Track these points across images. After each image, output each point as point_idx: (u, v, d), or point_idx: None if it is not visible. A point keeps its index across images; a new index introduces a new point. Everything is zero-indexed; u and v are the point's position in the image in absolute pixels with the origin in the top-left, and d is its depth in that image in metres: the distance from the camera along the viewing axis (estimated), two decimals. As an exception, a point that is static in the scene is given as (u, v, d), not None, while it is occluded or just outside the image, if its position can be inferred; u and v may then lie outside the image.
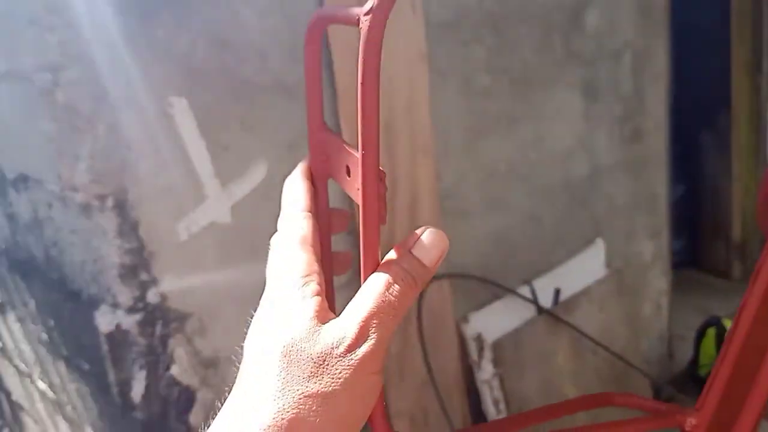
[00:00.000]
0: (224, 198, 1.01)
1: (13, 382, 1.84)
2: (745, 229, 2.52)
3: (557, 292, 1.60)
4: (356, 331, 0.33)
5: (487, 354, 1.42)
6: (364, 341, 0.33)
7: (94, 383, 1.17)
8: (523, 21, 1.42)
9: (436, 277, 1.34)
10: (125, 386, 1.01)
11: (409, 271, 0.35)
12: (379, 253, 0.34)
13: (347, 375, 0.32)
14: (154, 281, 0.96)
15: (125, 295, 0.95)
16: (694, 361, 2.14)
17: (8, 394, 1.94)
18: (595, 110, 1.63)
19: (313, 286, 0.36)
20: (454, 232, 1.37)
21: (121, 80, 0.88)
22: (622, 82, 1.70)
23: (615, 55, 1.66)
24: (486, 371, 1.44)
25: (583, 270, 1.68)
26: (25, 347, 1.56)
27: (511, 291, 1.50)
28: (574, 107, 1.58)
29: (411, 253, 0.35)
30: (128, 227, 0.92)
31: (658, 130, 1.87)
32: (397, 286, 0.34)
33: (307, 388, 0.32)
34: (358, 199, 0.33)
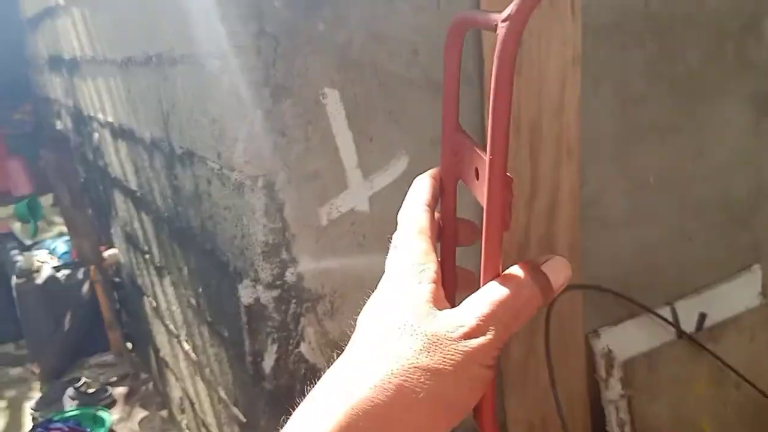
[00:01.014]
0: (365, 187, 1.04)
1: (162, 341, 2.02)
2: None
3: (702, 316, 1.50)
4: (474, 323, 0.33)
5: (617, 373, 1.36)
6: (482, 334, 0.33)
7: (232, 350, 1.26)
8: (690, 26, 1.33)
9: (570, 287, 1.30)
10: (258, 357, 1.08)
11: (538, 282, 0.34)
12: (501, 259, 0.34)
13: (458, 358, 0.32)
14: (293, 261, 1.01)
15: (266, 271, 1.01)
16: None
17: (157, 351, 2.13)
18: (766, 124, 1.50)
19: (430, 273, 0.36)
20: (593, 241, 1.32)
21: (281, 70, 0.93)
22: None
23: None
24: (614, 390, 1.37)
25: (735, 296, 1.55)
26: (176, 309, 1.71)
27: (650, 310, 1.42)
28: (743, 120, 1.46)
29: (540, 268, 0.35)
30: (274, 208, 0.98)
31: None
32: (525, 292, 0.34)
33: (418, 360, 0.32)
34: (483, 202, 0.33)
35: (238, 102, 0.95)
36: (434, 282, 0.36)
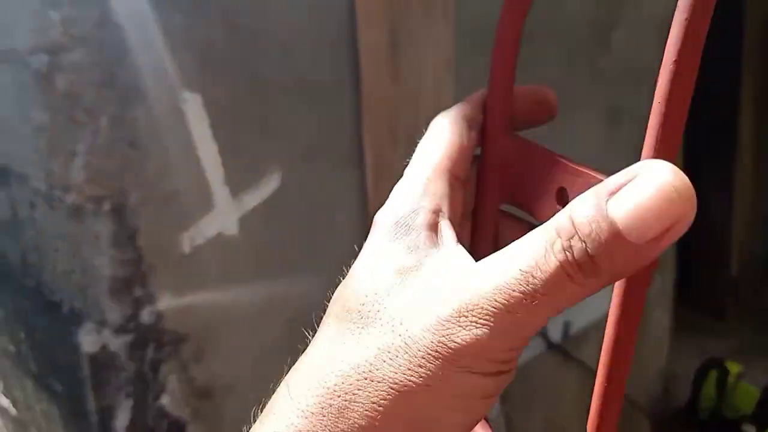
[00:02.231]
0: (233, 208, 0.90)
1: (-29, 394, 1.69)
2: (743, 265, 2.47)
3: (567, 325, 1.52)
4: (462, 307, 0.22)
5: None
6: (474, 327, 0.21)
7: (67, 407, 1.04)
8: (549, 35, 1.34)
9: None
10: (107, 415, 0.89)
11: (583, 241, 0.20)
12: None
13: (433, 364, 0.21)
14: (150, 298, 0.84)
15: (116, 312, 0.83)
16: (692, 403, 2.07)
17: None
18: (618, 136, 1.56)
19: (423, 216, 0.25)
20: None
21: (131, 69, 0.77)
22: (644, 107, 1.63)
23: (637, 78, 1.60)
24: (492, 410, 1.34)
25: (593, 303, 1.59)
26: (-11, 358, 1.42)
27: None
28: (597, 131, 1.50)
29: (601, 206, 0.20)
30: (125, 235, 0.81)
31: (676, 159, 1.81)
32: (553, 261, 0.20)
33: (373, 367, 0.22)
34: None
35: (76, 106, 0.77)
36: (428, 228, 0.25)
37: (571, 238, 0.19)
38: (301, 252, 0.99)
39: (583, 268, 0.20)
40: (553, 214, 0.22)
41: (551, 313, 0.21)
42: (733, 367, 2.00)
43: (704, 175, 2.45)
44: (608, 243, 0.19)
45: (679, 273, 2.60)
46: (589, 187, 0.22)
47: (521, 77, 1.21)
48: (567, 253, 0.20)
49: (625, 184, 0.20)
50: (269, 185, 0.93)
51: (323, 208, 1.01)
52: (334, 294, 0.26)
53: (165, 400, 0.89)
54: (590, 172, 0.23)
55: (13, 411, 1.36)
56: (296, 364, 0.26)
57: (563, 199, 0.25)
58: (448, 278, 0.22)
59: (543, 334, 1.44)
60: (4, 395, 1.41)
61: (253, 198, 0.93)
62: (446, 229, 0.25)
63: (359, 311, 0.24)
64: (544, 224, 0.21)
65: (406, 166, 0.28)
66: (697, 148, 2.44)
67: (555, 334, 1.48)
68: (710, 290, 2.53)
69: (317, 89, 0.96)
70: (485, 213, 0.29)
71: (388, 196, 1.07)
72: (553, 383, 1.46)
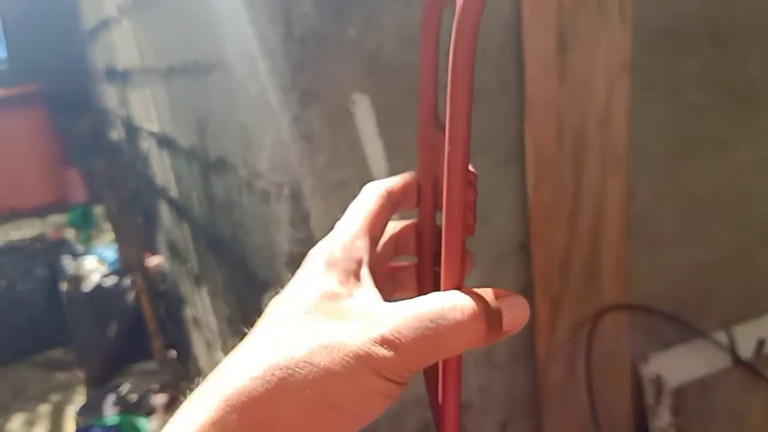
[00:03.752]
0: (396, 198, 1.00)
1: (201, 350, 2.01)
2: None
3: (761, 342, 1.39)
4: (387, 332, 0.29)
5: (666, 400, 1.27)
6: (392, 349, 0.28)
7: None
8: (751, 33, 1.25)
9: (615, 307, 1.22)
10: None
11: (487, 315, 0.29)
12: (463, 269, 0.29)
13: (357, 366, 0.28)
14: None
15: (292, 282, 0.97)
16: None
17: (196, 360, 2.13)
18: None
19: (350, 260, 0.34)
20: (642, 259, 1.24)
21: (308, 74, 0.90)
22: None
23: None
24: (663, 419, 1.28)
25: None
26: (212, 320, 1.70)
27: (705, 334, 1.32)
28: None
29: (497, 303, 0.30)
30: (300, 217, 0.95)
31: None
32: (468, 322, 0.29)
33: (311, 357, 0.29)
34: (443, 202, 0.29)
35: (265, 107, 0.92)
36: (353, 271, 0.33)
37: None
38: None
39: (489, 330, 0.30)
40: None
41: (447, 356, 0.30)
42: None
43: None
44: (497, 331, 0.31)
45: None
46: None
47: (713, 77, 1.14)
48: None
49: (510, 296, 0.31)
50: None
51: (484, 202, 1.07)
52: (269, 305, 0.33)
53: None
54: None
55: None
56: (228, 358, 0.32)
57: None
58: (371, 310, 0.30)
59: (731, 348, 1.34)
60: (222, 352, 1.67)
61: (415, 190, 1.02)
62: (366, 275, 0.33)
63: (299, 319, 0.30)
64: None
65: (338, 220, 0.37)
66: None
67: (746, 350, 1.37)
68: None
69: (481, 89, 1.02)
70: (425, 201, 0.35)
71: (548, 196, 1.10)
72: (737, 402, 1.35)
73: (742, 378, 1.36)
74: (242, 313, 1.33)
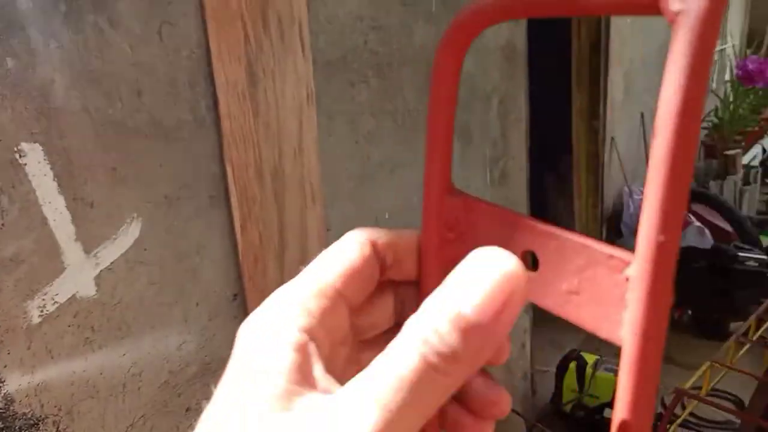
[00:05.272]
0: (88, 266, 0.82)
1: None
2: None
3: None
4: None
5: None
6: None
7: None
8: (404, 63, 1.36)
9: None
10: None
11: (440, 344, 0.19)
12: None
13: None
14: (-5, 381, 0.74)
15: (-46, 402, 0.72)
16: (556, 396, 2.19)
17: None
18: (469, 153, 1.62)
19: (297, 337, 0.22)
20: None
21: (-47, 121, 0.67)
22: (491, 125, 1.70)
23: (485, 98, 1.67)
24: None
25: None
26: None
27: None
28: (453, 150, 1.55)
29: (444, 302, 0.20)
30: (-40, 314, 0.70)
31: (521, 171, 1.91)
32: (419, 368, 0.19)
33: None
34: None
35: None
36: (299, 347, 0.22)
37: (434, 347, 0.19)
38: (170, 305, 0.91)
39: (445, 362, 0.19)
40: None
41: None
42: (590, 358, 2.14)
43: (549, 187, 2.63)
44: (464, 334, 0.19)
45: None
46: (563, 252, 0.20)
47: (380, 105, 1.21)
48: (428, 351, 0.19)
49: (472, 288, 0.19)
50: (128, 237, 0.85)
51: (190, 254, 0.95)
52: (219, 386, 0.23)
53: (22, 494, 0.78)
54: (560, 233, 0.21)
55: None
56: None
57: (533, 265, 0.22)
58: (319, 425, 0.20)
59: None
60: None
61: (111, 253, 0.84)
62: (315, 355, 0.22)
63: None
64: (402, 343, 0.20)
65: (302, 270, 0.26)
66: (544, 167, 2.61)
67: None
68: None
69: (175, 130, 0.90)
70: (427, 287, 0.26)
71: (256, 235, 1.02)
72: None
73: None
74: None
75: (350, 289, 0.25)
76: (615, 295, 0.19)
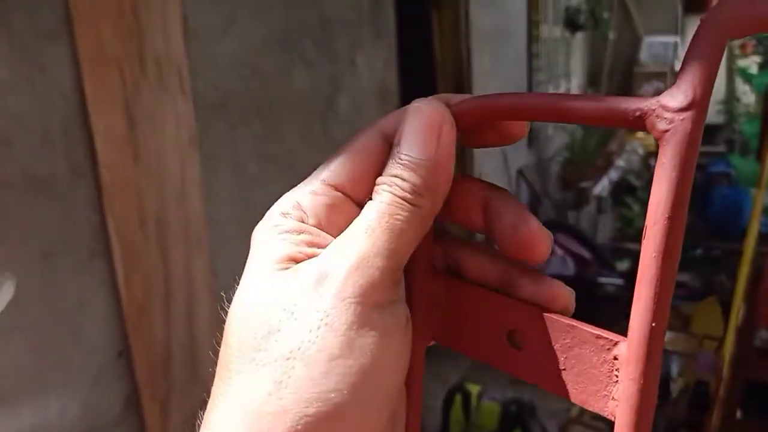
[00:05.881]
0: (-47, 333, 0.74)
1: None
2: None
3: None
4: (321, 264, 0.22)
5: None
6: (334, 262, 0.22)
7: None
8: (286, 107, 1.37)
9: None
10: None
11: (402, 184, 0.23)
12: None
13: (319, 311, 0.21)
14: None
15: None
16: (444, 430, 2.22)
17: None
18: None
19: (289, 223, 0.24)
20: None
21: None
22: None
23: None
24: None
25: None
26: None
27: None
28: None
29: (396, 154, 0.24)
30: None
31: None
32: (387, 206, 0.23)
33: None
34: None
35: None
36: (295, 232, 0.23)
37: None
38: (49, 371, 0.84)
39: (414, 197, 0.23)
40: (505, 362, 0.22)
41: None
42: (474, 388, 2.20)
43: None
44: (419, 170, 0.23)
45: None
46: (547, 330, 0.22)
47: (263, 151, 1.20)
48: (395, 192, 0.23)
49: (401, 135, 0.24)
50: (2, 296, 0.78)
51: (70, 312, 0.88)
52: (228, 322, 0.22)
53: None
54: (545, 314, 0.22)
55: None
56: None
57: (516, 344, 0.23)
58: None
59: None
60: None
61: (-21, 316, 0.77)
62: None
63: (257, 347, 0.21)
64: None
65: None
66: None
67: None
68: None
69: (49, 181, 0.84)
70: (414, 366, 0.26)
71: (140, 287, 0.97)
72: None
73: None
74: None
75: (358, 190, 0.25)
76: (603, 371, 0.21)
